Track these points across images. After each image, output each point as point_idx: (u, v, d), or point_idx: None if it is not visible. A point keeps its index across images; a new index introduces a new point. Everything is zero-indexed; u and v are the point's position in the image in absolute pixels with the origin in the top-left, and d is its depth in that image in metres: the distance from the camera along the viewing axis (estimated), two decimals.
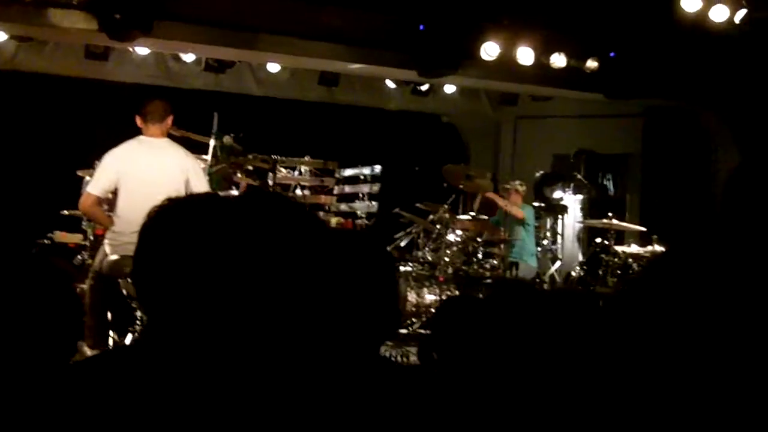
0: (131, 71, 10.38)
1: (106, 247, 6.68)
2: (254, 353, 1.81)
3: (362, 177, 11.35)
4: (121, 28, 7.77)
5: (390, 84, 11.52)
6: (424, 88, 11.31)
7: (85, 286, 6.90)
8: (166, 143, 6.93)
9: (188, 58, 10.21)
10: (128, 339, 6.50)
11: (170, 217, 2.38)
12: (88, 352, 6.44)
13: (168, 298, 2.28)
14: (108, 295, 6.57)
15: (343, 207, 11.25)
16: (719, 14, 8.71)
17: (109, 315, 6.68)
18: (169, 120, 6.98)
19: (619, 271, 9.30)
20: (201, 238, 2.27)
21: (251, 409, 1.73)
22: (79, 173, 9.22)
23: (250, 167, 8.62)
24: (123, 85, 10.36)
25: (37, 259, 2.18)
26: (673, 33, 9.26)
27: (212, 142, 8.37)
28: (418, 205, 9.99)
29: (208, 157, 8.16)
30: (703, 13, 8.72)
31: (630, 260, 9.26)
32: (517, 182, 10.49)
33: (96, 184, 6.73)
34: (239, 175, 8.66)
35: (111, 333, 6.72)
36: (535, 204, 10.99)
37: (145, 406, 1.71)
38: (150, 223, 2.37)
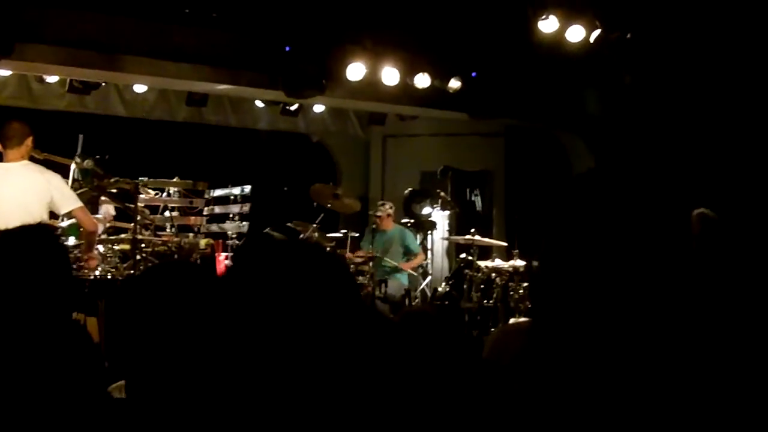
0: None
1: None
2: None
3: (232, 197, 11.31)
4: None
5: (259, 104, 11.53)
6: (293, 107, 11.36)
7: None
8: (22, 166, 6.83)
9: (52, 78, 10.02)
10: None
11: None
12: None
13: None
14: None
15: (214, 227, 11.18)
16: (575, 34, 9.04)
17: None
18: (29, 141, 6.90)
19: (482, 286, 9.53)
20: (27, 274, 2.34)
21: None
22: None
23: (114, 190, 8.52)
24: None
25: None
26: (533, 54, 9.57)
27: (73, 165, 8.26)
28: (288, 224, 10.06)
29: (69, 180, 8.04)
30: (560, 34, 9.03)
31: (493, 275, 9.49)
32: (387, 206, 10.65)
33: None
34: (102, 198, 8.57)
35: None
36: (404, 220, 11.17)
37: None
38: None
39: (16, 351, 2.29)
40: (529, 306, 8.79)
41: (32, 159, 7.17)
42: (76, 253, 7.27)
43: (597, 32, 9.04)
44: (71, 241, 7.48)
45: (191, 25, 8.75)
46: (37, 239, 2.53)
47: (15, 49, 7.78)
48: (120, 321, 2.23)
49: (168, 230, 9.53)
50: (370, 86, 9.53)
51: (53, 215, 6.94)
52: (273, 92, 9.84)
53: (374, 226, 10.46)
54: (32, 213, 6.42)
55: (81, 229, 7.24)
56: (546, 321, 2.00)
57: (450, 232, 11.82)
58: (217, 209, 11.32)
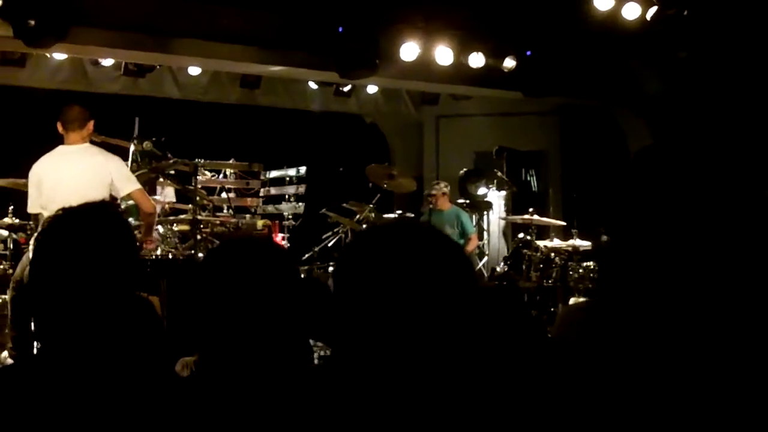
0: (49, 77, 10.24)
1: (31, 254, 6.63)
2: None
3: (288, 178, 11.36)
4: (36, 35, 7.66)
5: (312, 85, 11.54)
6: (346, 89, 11.36)
7: (6, 297, 6.85)
8: (83, 149, 6.93)
9: (107, 62, 10.11)
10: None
11: (60, 228, 2.42)
12: (11, 362, 6.41)
13: (60, 308, 2.32)
14: (29, 304, 6.52)
15: (270, 209, 11.24)
16: (631, 12, 8.91)
17: (31, 324, 6.62)
18: (90, 125, 7.00)
19: (541, 266, 9.45)
20: (91, 249, 2.33)
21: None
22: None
23: (172, 171, 8.59)
24: (41, 91, 10.22)
25: None
26: (588, 32, 9.45)
27: (132, 147, 8.33)
28: (344, 205, 10.06)
29: (129, 162, 8.12)
30: (615, 11, 8.91)
31: (552, 254, 9.42)
32: (442, 184, 10.60)
33: (29, 201, 6.76)
34: (161, 179, 8.63)
35: (35, 344, 6.66)
36: (460, 201, 11.12)
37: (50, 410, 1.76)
38: (41, 234, 2.42)
39: (86, 329, 2.28)
40: (590, 285, 8.73)
41: (91, 142, 7.25)
42: (136, 234, 7.34)
43: (653, 9, 8.89)
44: (131, 221, 7.55)
45: (243, 6, 8.74)
46: (102, 216, 2.52)
47: (69, 32, 7.82)
48: (195, 297, 2.22)
49: (225, 211, 9.60)
50: (424, 66, 9.46)
51: (113, 198, 7.00)
52: (326, 73, 9.83)
53: (430, 206, 10.38)
54: (93, 194, 6.48)
55: (140, 211, 7.31)
56: (614, 297, 1.96)
57: (507, 212, 11.72)
58: (273, 190, 11.38)
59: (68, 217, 2.43)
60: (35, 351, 6.55)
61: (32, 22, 7.51)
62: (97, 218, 2.45)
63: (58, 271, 2.31)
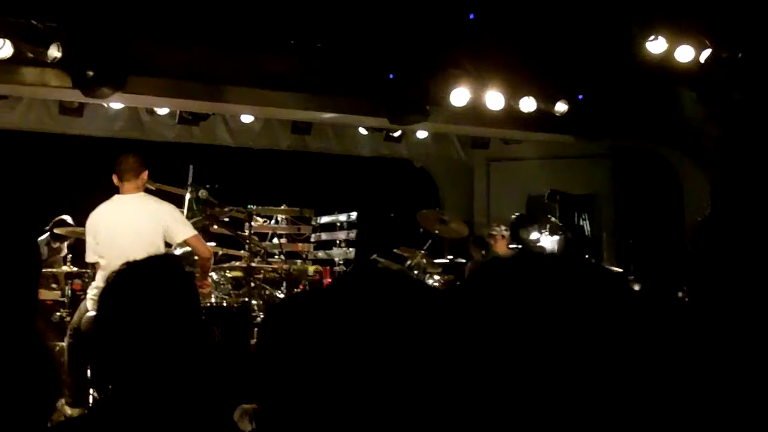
0: (105, 125, 10.39)
1: (88, 303, 6.72)
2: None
3: (338, 224, 11.40)
4: (94, 85, 7.82)
5: (362, 131, 11.58)
6: (397, 134, 11.38)
7: (63, 344, 6.91)
8: (138, 198, 7.02)
9: (162, 110, 10.25)
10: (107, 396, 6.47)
11: (124, 282, 2.45)
12: (68, 410, 6.44)
13: (126, 359, 2.34)
14: (87, 352, 6.57)
15: (321, 254, 11.28)
16: (684, 54, 8.86)
17: (88, 372, 6.67)
18: (144, 174, 7.08)
19: None
20: (154, 302, 2.35)
21: None
22: (57, 231, 9.28)
23: (226, 218, 8.66)
24: (98, 139, 10.39)
25: (9, 320, 2.22)
26: (640, 75, 9.42)
27: (188, 195, 8.41)
28: (395, 250, 10.05)
29: (184, 210, 8.20)
30: (668, 54, 8.88)
31: None
32: (502, 227, 10.50)
33: (87, 250, 6.85)
34: (215, 226, 8.70)
35: (90, 390, 6.71)
36: (512, 246, 11.02)
37: None
38: (106, 288, 2.45)
39: (153, 380, 2.30)
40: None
41: (146, 190, 7.34)
42: None
43: (707, 52, 8.84)
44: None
45: (294, 54, 8.84)
46: (165, 269, 2.55)
47: (126, 82, 7.96)
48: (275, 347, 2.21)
49: (277, 257, 9.62)
50: (474, 110, 9.47)
51: (167, 244, 7.06)
52: (376, 119, 9.88)
53: (483, 251, 10.27)
54: (150, 242, 6.57)
55: (196, 257, 7.36)
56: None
57: None
58: (324, 236, 11.42)
59: (132, 270, 2.46)
60: (92, 399, 6.62)
61: (91, 73, 7.67)
62: (161, 272, 2.49)
63: (124, 324, 2.34)
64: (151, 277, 2.48)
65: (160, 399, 2.30)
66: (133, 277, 2.48)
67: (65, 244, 9.55)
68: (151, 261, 2.62)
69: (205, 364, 2.78)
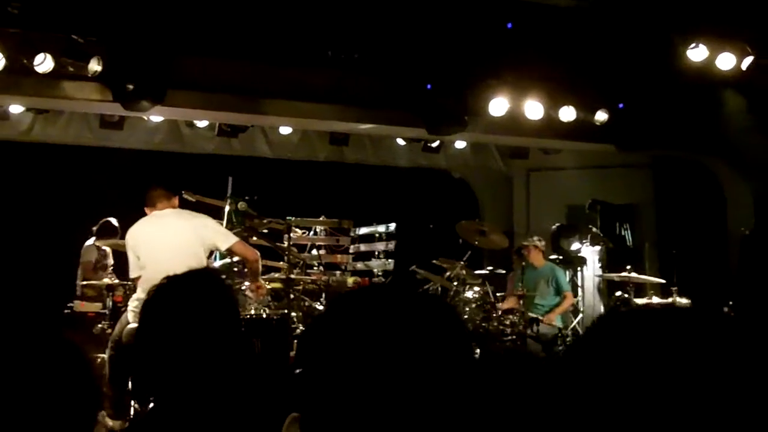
0: (146, 138, 10.49)
1: (129, 315, 6.75)
2: None
3: (377, 235, 11.39)
4: (134, 98, 7.89)
5: (400, 141, 11.56)
6: (435, 144, 11.34)
7: (105, 356, 6.95)
8: (176, 212, 7.08)
9: (201, 123, 10.31)
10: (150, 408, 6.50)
11: (168, 295, 2.46)
12: (109, 422, 6.47)
13: (169, 371, 2.35)
14: (128, 364, 6.60)
15: (360, 265, 11.27)
16: (726, 62, 8.75)
17: (129, 384, 6.70)
18: (175, 200, 7.13)
19: None
20: (195, 315, 2.36)
21: None
22: (97, 244, 9.37)
23: (265, 230, 8.67)
24: (138, 152, 10.49)
25: (50, 333, 2.22)
26: (680, 83, 9.32)
27: (227, 207, 8.44)
28: (434, 261, 10.00)
29: (224, 221, 8.23)
30: (709, 62, 8.77)
31: None
32: (535, 238, 10.39)
33: (130, 266, 6.90)
34: (254, 238, 8.71)
35: (132, 402, 6.73)
36: (553, 256, 10.95)
37: None
38: (148, 302, 2.46)
39: (197, 391, 2.30)
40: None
41: (185, 201, 7.39)
42: (245, 283, 7.55)
43: (749, 59, 8.73)
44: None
45: (331, 66, 8.85)
46: (206, 283, 2.55)
47: (166, 95, 8.02)
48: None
49: (316, 268, 9.62)
50: (513, 120, 9.42)
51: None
52: (414, 130, 9.86)
53: (523, 263, 10.15)
54: (191, 255, 6.61)
55: (235, 269, 7.41)
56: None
57: (602, 268, 11.45)
58: (363, 247, 11.41)
59: (173, 284, 2.47)
60: (133, 411, 6.65)
61: (130, 87, 7.73)
62: (201, 285, 2.49)
63: (165, 336, 2.34)
64: (191, 290, 2.49)
65: (201, 410, 2.30)
66: (174, 290, 2.49)
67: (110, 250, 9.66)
68: (192, 274, 2.63)
69: (246, 376, 2.77)
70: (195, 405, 2.30)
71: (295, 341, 7.50)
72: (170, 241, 6.76)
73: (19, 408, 1.91)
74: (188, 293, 2.44)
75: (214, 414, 2.32)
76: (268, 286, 8.20)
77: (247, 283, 7.67)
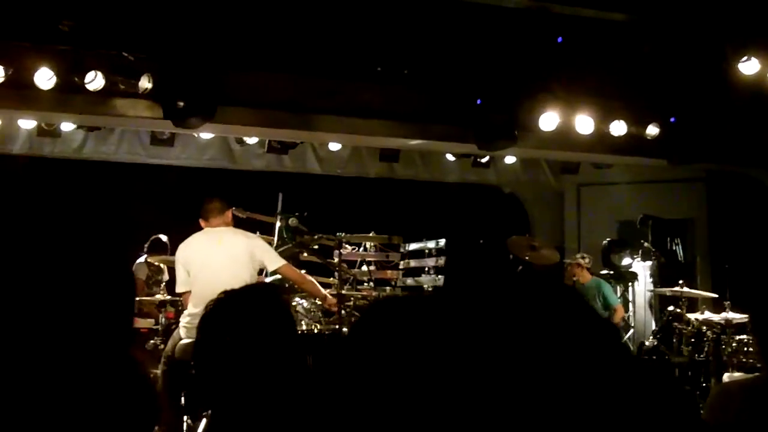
0: (196, 155, 10.58)
1: (181, 331, 6.80)
2: None
3: (427, 251, 11.35)
4: (185, 115, 7.94)
5: (450, 157, 11.54)
6: (484, 159, 11.30)
7: (158, 371, 6.99)
8: (228, 231, 7.15)
9: (251, 140, 10.37)
10: (202, 423, 6.52)
11: (226, 310, 2.47)
12: None
13: (227, 385, 2.36)
14: (181, 379, 6.63)
15: (409, 281, 11.24)
16: None
17: (182, 399, 6.73)
18: (229, 213, 7.21)
19: (693, 340, 9.09)
20: (252, 329, 2.36)
21: None
22: (149, 260, 9.44)
23: (316, 246, 8.69)
24: (189, 169, 10.57)
25: (114, 350, 2.23)
26: (732, 96, 9.20)
27: (278, 223, 8.47)
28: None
29: (275, 237, 8.27)
30: (762, 74, 8.66)
31: (704, 328, 9.04)
32: (578, 255, 10.38)
33: (178, 281, 6.95)
34: (305, 254, 8.73)
35: (185, 418, 6.76)
36: (604, 272, 10.86)
37: None
38: (206, 316, 2.47)
39: (254, 406, 2.30)
40: (744, 360, 8.35)
41: (236, 218, 7.44)
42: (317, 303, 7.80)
43: None
44: None
45: (381, 82, 8.85)
46: (263, 298, 2.56)
47: (216, 112, 8.06)
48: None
49: (366, 284, 9.62)
50: (563, 135, 9.33)
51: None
52: (464, 145, 9.81)
53: (574, 278, 10.11)
54: (239, 274, 6.66)
55: (295, 284, 7.49)
56: None
57: (653, 283, 11.32)
58: (413, 263, 11.38)
59: (231, 298, 2.48)
60: (185, 427, 6.67)
61: (181, 104, 7.78)
62: (259, 300, 2.50)
63: (223, 350, 2.35)
64: (250, 305, 2.50)
65: (257, 425, 2.29)
66: (233, 304, 2.50)
67: (165, 266, 9.75)
68: (249, 289, 2.65)
69: (301, 391, 2.77)
70: (251, 419, 2.30)
71: None
72: (223, 258, 6.82)
73: (83, 423, 1.91)
74: (247, 307, 2.45)
75: (268, 429, 2.31)
76: (319, 302, 8.21)
77: (298, 299, 7.72)
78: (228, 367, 2.33)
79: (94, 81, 7.47)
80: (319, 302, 8.09)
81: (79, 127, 9.67)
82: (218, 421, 2.38)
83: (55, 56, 7.42)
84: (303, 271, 7.78)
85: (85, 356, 2.08)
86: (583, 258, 10.35)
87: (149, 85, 7.68)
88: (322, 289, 7.64)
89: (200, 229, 7.21)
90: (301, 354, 2.60)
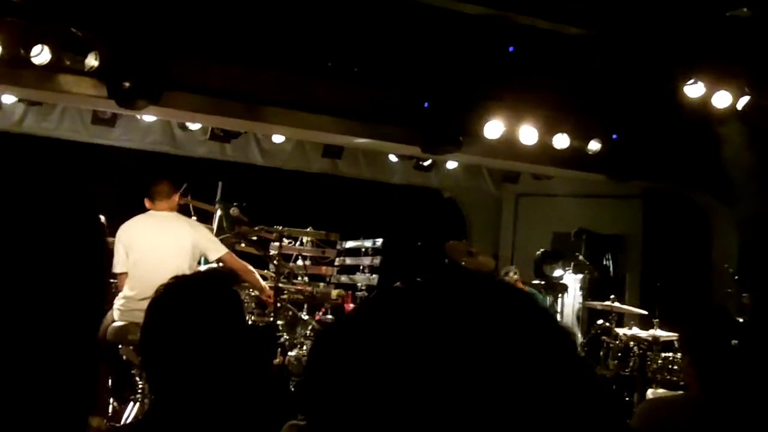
0: (138, 138, 10.44)
1: (114, 313, 6.72)
2: None
3: (363, 249, 11.37)
4: (130, 97, 7.84)
5: (393, 158, 11.56)
6: (427, 163, 11.35)
7: None
8: (172, 217, 7.10)
9: (194, 126, 10.28)
10: (129, 407, 6.45)
11: (175, 295, 2.46)
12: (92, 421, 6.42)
13: (173, 371, 2.35)
14: (109, 362, 6.56)
15: (344, 279, 11.25)
16: (722, 100, 8.82)
17: (109, 382, 6.66)
18: (175, 197, 7.16)
19: (620, 354, 9.25)
20: (203, 316, 2.37)
21: None
22: None
23: (254, 237, 8.64)
24: (129, 151, 10.43)
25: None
26: (676, 118, 9.38)
27: (218, 212, 8.41)
28: (418, 279, 9.98)
29: (214, 226, 8.21)
30: (705, 99, 8.83)
31: (631, 343, 9.20)
32: (503, 271, 10.46)
33: (116, 261, 6.87)
34: (242, 244, 8.68)
35: (111, 400, 6.69)
36: (535, 281, 10.97)
37: None
38: (156, 300, 2.46)
39: (200, 393, 2.30)
40: (668, 376, 8.50)
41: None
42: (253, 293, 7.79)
43: (745, 99, 8.81)
44: None
45: (332, 78, 8.84)
46: (213, 284, 2.56)
47: (163, 96, 7.98)
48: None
49: (300, 279, 9.60)
50: (507, 144, 9.43)
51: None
52: (409, 147, 9.84)
53: None
54: (182, 259, 6.64)
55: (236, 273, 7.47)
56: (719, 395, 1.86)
57: (583, 296, 11.47)
58: (348, 260, 11.40)
59: (183, 284, 2.47)
60: (111, 409, 6.59)
61: (127, 84, 7.68)
62: (211, 286, 2.50)
63: (174, 335, 2.34)
64: (202, 291, 2.50)
65: (202, 411, 2.29)
66: (184, 289, 2.50)
67: None
68: (201, 275, 2.65)
69: (249, 380, 2.77)
70: (197, 405, 2.30)
71: (279, 349, 7.50)
72: (169, 247, 6.79)
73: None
74: (199, 293, 2.45)
75: (213, 416, 2.31)
76: (253, 294, 8.18)
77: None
78: (177, 353, 2.33)
79: (40, 55, 7.32)
80: (254, 293, 8.06)
81: (20, 100, 9.50)
82: (161, 405, 2.36)
83: (2, 27, 7.27)
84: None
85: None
86: (515, 273, 10.41)
87: (95, 63, 7.56)
88: (261, 281, 7.63)
89: (142, 210, 7.13)
90: (249, 344, 2.59)
